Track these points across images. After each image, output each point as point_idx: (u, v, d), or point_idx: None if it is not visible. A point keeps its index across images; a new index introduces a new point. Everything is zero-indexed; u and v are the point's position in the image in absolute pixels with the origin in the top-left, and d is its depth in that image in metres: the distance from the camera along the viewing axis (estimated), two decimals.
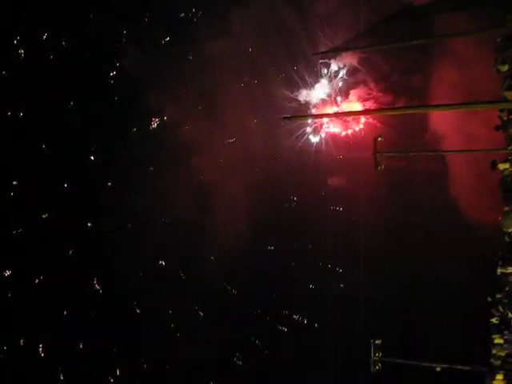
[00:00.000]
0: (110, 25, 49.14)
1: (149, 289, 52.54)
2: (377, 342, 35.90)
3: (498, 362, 31.62)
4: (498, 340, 31.86)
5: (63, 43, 49.49)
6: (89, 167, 52.17)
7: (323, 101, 47.62)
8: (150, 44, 50.10)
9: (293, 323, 50.66)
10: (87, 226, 52.90)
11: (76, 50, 49.73)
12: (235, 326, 50.52)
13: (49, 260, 52.07)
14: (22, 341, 51.71)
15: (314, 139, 48.73)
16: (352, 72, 46.09)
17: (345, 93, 47.63)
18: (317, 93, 47.66)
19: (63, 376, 51.71)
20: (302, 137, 48.15)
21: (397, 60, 43.53)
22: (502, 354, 31.74)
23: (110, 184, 52.82)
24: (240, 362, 49.96)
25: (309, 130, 47.61)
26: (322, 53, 40.27)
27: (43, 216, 52.42)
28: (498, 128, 33.49)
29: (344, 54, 42.96)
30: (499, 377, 30.89)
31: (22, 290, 51.78)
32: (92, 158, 52.13)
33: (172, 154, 51.29)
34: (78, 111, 51.05)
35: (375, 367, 35.47)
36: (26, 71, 49.86)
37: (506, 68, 30.66)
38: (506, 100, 29.41)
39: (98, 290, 53.09)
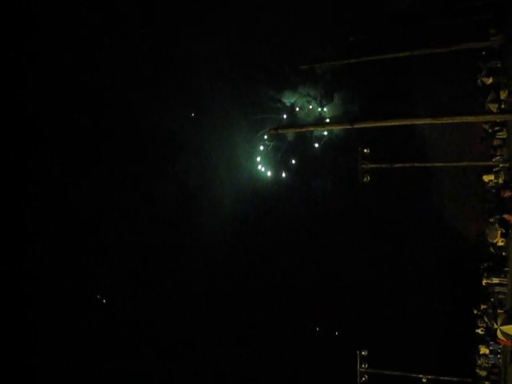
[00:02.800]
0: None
1: None
2: (363, 353, 35.97)
3: (484, 373, 31.82)
4: (483, 350, 32.06)
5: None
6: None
7: (308, 107, 47.75)
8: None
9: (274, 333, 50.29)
10: None
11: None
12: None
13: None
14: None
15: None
16: (336, 76, 46.30)
17: (329, 97, 47.71)
18: (301, 100, 47.81)
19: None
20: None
21: (380, 71, 43.81)
22: (488, 364, 31.93)
23: None
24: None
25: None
26: (309, 64, 40.42)
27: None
28: (482, 140, 33.88)
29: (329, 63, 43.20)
30: None
31: None
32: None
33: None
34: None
35: (361, 379, 35.52)
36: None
37: (490, 80, 31.02)
38: (490, 112, 29.72)
39: None
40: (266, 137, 40.70)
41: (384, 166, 35.75)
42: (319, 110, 48.08)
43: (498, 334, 24.11)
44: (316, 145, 47.89)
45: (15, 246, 49.57)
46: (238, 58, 47.70)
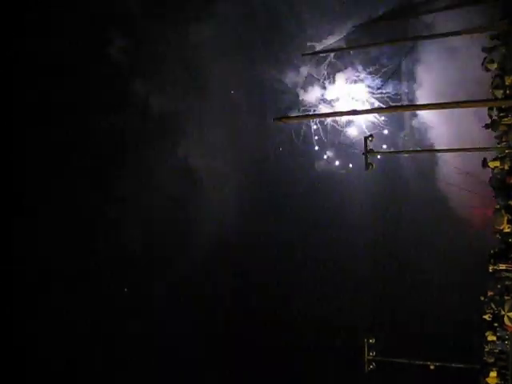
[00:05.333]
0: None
1: None
2: (370, 341, 36.03)
3: (492, 359, 31.77)
4: (490, 337, 32.02)
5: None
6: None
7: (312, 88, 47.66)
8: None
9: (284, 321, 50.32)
10: None
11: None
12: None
13: None
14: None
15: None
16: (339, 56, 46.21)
17: (332, 78, 47.59)
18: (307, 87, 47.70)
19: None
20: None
21: (386, 57, 43.72)
22: (495, 351, 31.91)
23: None
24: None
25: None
26: (312, 53, 40.37)
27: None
28: (487, 126, 33.70)
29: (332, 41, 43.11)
30: (493, 374, 31.05)
31: None
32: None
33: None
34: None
35: (369, 366, 35.59)
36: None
37: (495, 66, 30.84)
38: (495, 98, 29.56)
39: None
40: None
41: (390, 153, 35.81)
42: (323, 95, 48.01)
43: (505, 320, 24.21)
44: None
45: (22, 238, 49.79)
46: (242, 43, 47.70)
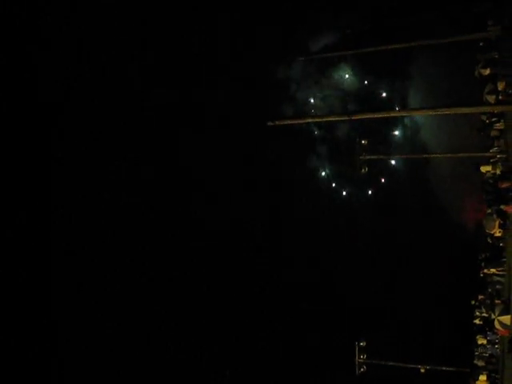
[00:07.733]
0: None
1: None
2: (361, 343, 36.14)
3: (482, 363, 31.93)
4: (481, 341, 32.19)
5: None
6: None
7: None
8: None
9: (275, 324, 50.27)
10: None
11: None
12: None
13: None
14: None
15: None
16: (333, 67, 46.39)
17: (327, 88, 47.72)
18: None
19: None
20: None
21: (378, 62, 43.82)
22: (485, 354, 32.07)
23: None
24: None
25: None
26: (309, 56, 40.53)
27: None
28: (480, 131, 33.91)
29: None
30: (482, 377, 31.20)
31: None
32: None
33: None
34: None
35: (360, 369, 35.70)
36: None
37: (487, 72, 31.01)
38: (487, 103, 29.74)
39: None
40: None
41: (382, 157, 35.93)
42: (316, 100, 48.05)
43: (496, 324, 24.21)
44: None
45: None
46: (235, 50, 47.65)
